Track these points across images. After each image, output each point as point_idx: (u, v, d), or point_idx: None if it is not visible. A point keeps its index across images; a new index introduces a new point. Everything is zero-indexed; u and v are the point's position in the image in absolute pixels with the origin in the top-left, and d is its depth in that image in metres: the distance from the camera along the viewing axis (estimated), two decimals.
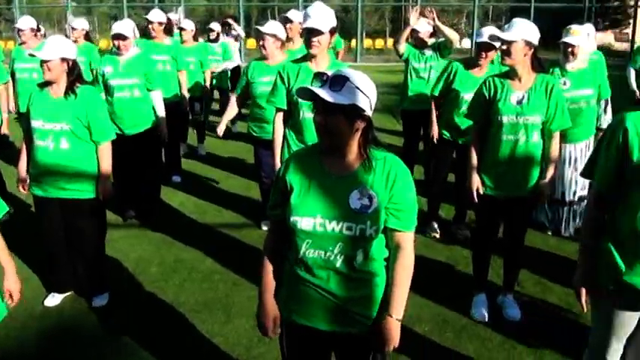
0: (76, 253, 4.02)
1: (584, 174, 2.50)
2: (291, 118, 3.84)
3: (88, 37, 7.65)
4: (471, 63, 4.94)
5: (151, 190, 5.67)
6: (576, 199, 5.24)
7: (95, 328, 3.79)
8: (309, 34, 3.51)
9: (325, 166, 2.08)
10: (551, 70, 4.99)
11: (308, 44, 3.56)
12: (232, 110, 5.59)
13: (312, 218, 2.02)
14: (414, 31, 6.24)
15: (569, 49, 4.93)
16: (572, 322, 3.85)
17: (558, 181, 5.16)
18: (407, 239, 2.10)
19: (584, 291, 2.42)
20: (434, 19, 6.04)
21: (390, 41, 27.00)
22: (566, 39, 4.93)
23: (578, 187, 5.21)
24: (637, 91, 7.76)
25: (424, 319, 3.84)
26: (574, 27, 5.00)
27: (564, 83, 4.93)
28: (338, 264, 2.04)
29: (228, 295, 4.18)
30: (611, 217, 2.37)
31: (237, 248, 5.03)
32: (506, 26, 3.69)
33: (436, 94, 5.18)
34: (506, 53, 3.56)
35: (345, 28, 29.10)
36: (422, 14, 6.27)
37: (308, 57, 3.70)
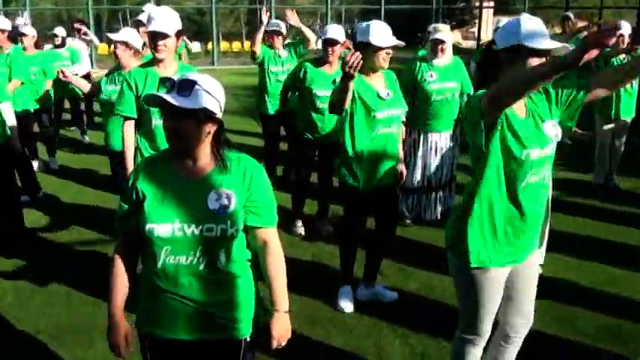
0: None
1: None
2: (142, 126, 3.70)
3: None
4: (320, 61, 5.09)
5: (11, 219, 5.02)
6: (441, 185, 5.55)
7: None
8: (155, 37, 3.42)
9: (178, 170, 2.05)
10: (418, 64, 5.31)
11: (154, 48, 3.46)
12: (89, 87, 5.22)
13: (169, 224, 1.97)
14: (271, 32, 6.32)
15: (440, 46, 5.26)
16: (435, 305, 4.08)
17: (424, 168, 5.45)
18: (271, 235, 2.12)
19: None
20: (295, 20, 6.12)
21: (247, 44, 26.94)
22: (436, 36, 5.27)
23: (443, 174, 5.52)
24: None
25: (293, 316, 3.84)
26: (441, 25, 5.43)
27: (431, 76, 5.27)
28: (201, 267, 2.01)
29: (90, 316, 3.96)
30: (470, 201, 2.48)
31: (95, 265, 4.74)
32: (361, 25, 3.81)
33: (287, 85, 5.43)
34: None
35: (200, 31, 28.68)
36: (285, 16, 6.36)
37: (155, 61, 3.59)
